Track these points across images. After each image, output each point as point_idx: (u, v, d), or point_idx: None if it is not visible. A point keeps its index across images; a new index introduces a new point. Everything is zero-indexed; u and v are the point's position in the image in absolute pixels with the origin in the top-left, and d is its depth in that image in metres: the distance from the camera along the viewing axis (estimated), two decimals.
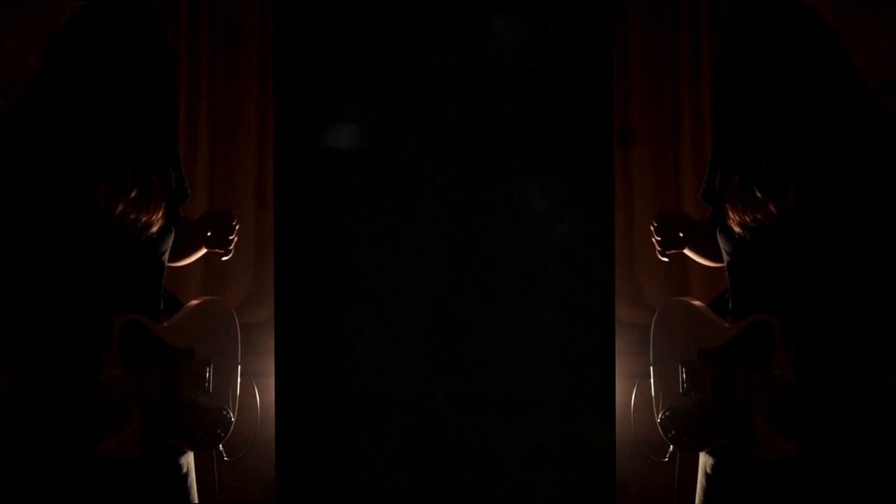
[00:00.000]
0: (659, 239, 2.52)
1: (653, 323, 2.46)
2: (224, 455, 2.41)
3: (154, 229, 2.29)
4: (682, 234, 2.50)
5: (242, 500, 3.79)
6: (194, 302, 2.47)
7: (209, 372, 2.40)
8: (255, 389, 2.49)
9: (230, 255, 2.57)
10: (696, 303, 2.46)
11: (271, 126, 2.42)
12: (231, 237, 2.53)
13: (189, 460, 2.39)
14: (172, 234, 2.37)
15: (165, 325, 2.33)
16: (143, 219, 2.26)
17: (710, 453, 2.35)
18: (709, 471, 2.35)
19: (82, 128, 2.20)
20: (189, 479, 2.39)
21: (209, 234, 2.52)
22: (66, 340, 2.21)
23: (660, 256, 2.56)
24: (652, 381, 2.46)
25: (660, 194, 4.04)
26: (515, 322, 1.93)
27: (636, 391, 2.48)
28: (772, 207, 2.19)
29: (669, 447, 2.40)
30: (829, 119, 2.19)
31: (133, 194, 2.23)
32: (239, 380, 2.49)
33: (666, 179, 4.09)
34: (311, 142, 1.93)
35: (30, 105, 2.24)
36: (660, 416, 2.43)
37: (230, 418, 2.44)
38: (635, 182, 4.09)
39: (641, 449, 2.44)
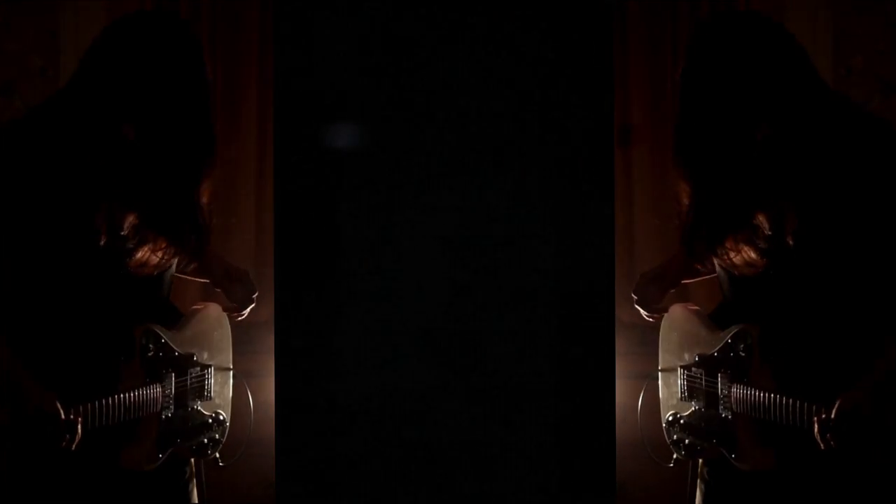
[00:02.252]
0: (640, 309, 2.52)
1: (661, 327, 2.48)
2: (219, 461, 2.42)
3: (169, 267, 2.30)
4: (658, 306, 2.52)
5: (242, 500, 3.79)
6: (195, 307, 2.49)
7: (209, 377, 2.41)
8: (247, 392, 2.50)
9: (243, 318, 2.59)
10: (696, 308, 2.47)
11: (271, 126, 2.41)
12: (247, 309, 2.54)
13: (192, 465, 2.40)
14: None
15: (171, 332, 2.34)
16: (161, 263, 2.25)
17: (706, 460, 2.35)
18: (706, 476, 2.35)
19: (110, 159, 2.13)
20: (191, 484, 2.40)
21: (232, 302, 2.54)
22: (87, 353, 2.18)
23: (646, 318, 2.56)
24: (660, 384, 2.48)
25: (660, 194, 4.04)
26: (515, 321, 1.93)
27: (643, 394, 2.49)
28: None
29: (674, 453, 2.41)
30: (804, 135, 2.11)
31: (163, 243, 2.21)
32: (231, 381, 2.50)
33: (666, 179, 4.09)
34: (311, 142, 1.93)
35: (53, 122, 2.15)
36: (664, 420, 2.45)
37: (226, 423, 2.45)
38: (635, 182, 4.09)
39: (647, 451, 2.45)
